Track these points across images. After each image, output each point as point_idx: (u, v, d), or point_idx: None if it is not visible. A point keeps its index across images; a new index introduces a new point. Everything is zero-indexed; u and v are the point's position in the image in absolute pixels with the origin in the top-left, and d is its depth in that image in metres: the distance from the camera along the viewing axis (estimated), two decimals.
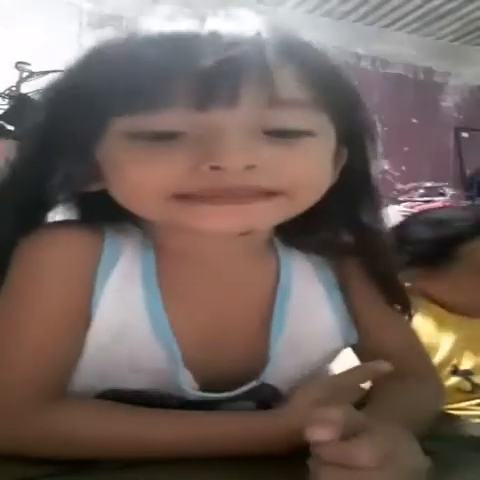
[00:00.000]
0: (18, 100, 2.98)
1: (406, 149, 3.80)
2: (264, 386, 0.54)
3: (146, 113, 0.43)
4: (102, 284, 0.50)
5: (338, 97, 0.48)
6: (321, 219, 0.54)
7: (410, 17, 3.60)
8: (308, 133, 0.46)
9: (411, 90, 3.87)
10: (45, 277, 0.49)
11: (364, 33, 3.70)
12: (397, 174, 3.78)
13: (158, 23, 0.45)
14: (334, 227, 0.57)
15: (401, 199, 3.44)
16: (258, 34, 0.44)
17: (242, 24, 0.45)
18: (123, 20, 3.38)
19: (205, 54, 0.41)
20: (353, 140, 0.52)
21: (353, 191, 0.54)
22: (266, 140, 0.44)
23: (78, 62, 0.48)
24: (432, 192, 3.57)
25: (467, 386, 1.04)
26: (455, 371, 1.05)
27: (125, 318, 0.50)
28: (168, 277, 0.52)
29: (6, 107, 3.00)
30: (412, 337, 0.62)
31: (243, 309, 0.54)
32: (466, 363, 1.06)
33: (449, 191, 3.62)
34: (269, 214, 0.47)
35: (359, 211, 0.55)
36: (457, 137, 3.97)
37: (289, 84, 0.44)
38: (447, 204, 3.34)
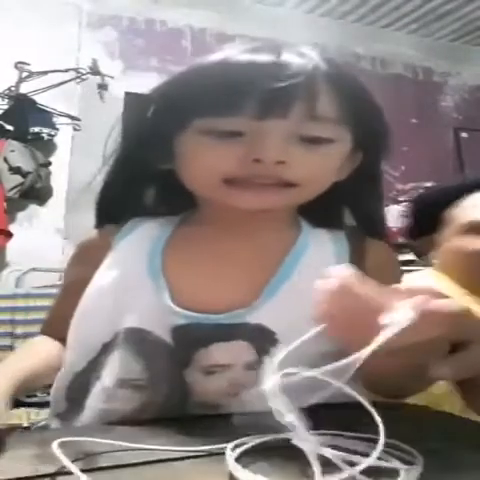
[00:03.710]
0: (18, 100, 2.98)
1: (406, 149, 3.81)
2: (259, 327, 0.58)
3: (221, 117, 0.59)
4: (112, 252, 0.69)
5: (362, 116, 0.63)
6: (336, 205, 0.71)
7: (410, 17, 3.61)
8: (330, 140, 0.61)
9: (410, 90, 3.87)
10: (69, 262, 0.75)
11: (364, 33, 3.71)
12: (397, 174, 3.78)
13: (242, 53, 0.60)
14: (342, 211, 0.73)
15: (401, 199, 3.45)
16: (314, 67, 0.60)
17: (304, 58, 0.60)
18: (123, 20, 3.39)
19: (271, 79, 0.57)
20: (368, 147, 0.67)
21: (363, 185, 0.70)
22: (299, 144, 0.60)
23: (180, 74, 0.64)
24: None
25: None
26: None
27: (128, 268, 0.65)
28: (182, 238, 0.68)
29: (6, 107, 3.00)
30: None
31: (247, 262, 0.65)
32: None
33: None
34: (284, 199, 0.63)
35: (365, 201, 0.71)
36: (457, 137, 3.97)
37: (327, 106, 0.60)
38: None
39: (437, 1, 3.41)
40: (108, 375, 0.61)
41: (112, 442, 0.47)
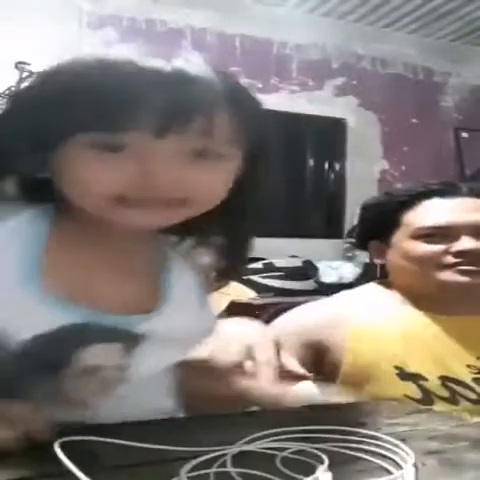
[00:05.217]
0: None
1: (406, 149, 3.80)
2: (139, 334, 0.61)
3: (110, 132, 0.53)
4: None
5: (254, 138, 0.61)
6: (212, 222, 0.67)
7: (410, 17, 3.60)
8: (222, 157, 0.58)
9: (411, 90, 3.87)
10: None
11: (364, 33, 3.70)
12: (397, 174, 3.78)
13: (127, 58, 0.56)
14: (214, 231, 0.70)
15: None
16: (211, 82, 0.56)
17: (197, 68, 0.57)
18: (123, 20, 3.38)
19: (168, 90, 0.53)
20: (251, 164, 0.64)
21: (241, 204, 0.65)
22: (194, 161, 0.57)
23: (56, 75, 0.57)
24: None
25: (417, 393, 0.94)
26: (401, 374, 0.96)
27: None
28: (62, 239, 0.61)
29: None
30: None
31: (125, 279, 0.64)
32: (414, 366, 0.96)
33: None
34: (174, 217, 0.60)
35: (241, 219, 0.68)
36: (457, 137, 3.97)
37: (225, 124, 0.57)
38: None
39: (438, 1, 3.40)
40: None
41: (113, 442, 0.48)
